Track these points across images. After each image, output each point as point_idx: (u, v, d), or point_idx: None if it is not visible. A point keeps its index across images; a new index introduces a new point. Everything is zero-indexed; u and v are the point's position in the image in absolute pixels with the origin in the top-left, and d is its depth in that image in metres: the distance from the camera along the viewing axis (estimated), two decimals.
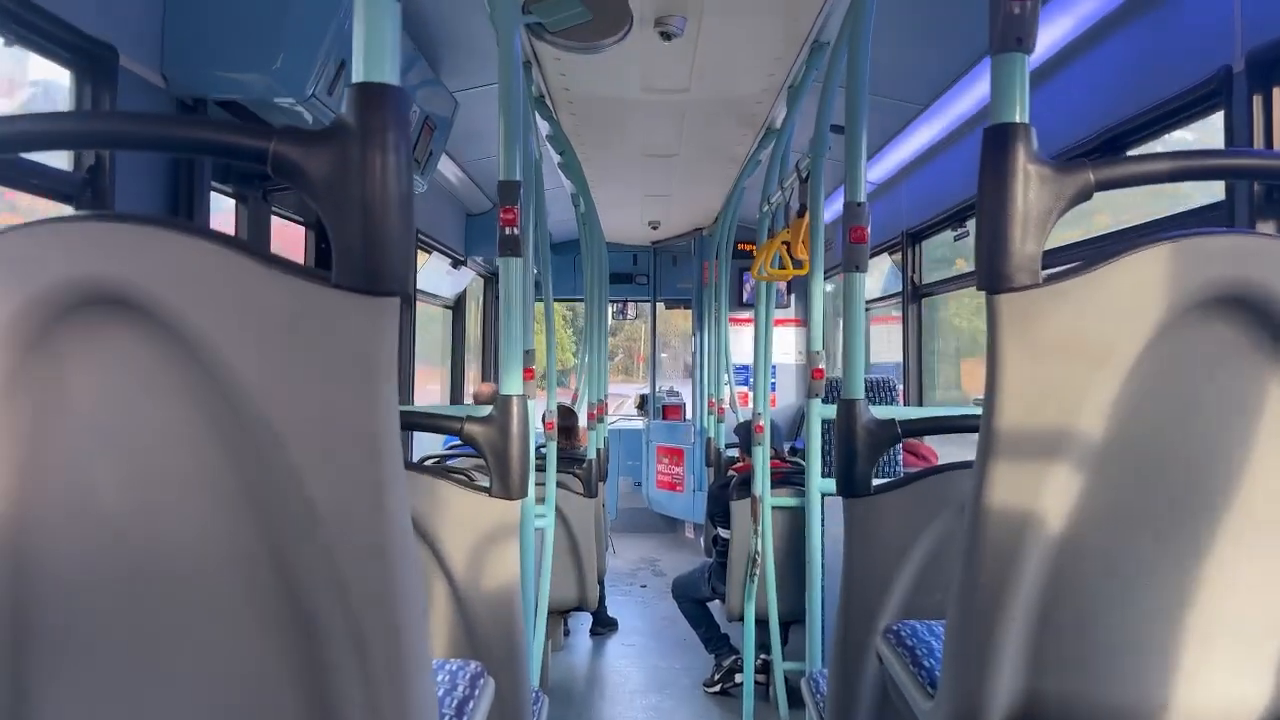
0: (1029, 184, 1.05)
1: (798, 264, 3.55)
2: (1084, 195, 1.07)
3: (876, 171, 5.30)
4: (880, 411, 2.05)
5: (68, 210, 2.24)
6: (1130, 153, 2.78)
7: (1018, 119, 1.07)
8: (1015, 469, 1.10)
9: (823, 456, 3.26)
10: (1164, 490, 1.12)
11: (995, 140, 1.07)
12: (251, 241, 3.11)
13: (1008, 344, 1.07)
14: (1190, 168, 1.15)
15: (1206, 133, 2.55)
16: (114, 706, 0.93)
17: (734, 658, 4.72)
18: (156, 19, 2.53)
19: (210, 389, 0.88)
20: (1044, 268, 1.07)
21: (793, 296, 8.66)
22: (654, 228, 8.37)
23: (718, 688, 4.75)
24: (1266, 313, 1.06)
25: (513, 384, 1.97)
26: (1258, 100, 2.19)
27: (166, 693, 0.93)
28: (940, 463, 2.26)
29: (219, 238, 0.88)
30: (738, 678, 4.62)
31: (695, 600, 5.01)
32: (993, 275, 1.06)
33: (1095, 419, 1.08)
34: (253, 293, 0.88)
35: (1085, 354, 1.07)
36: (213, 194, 3.00)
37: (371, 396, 0.90)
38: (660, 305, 9.67)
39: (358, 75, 0.89)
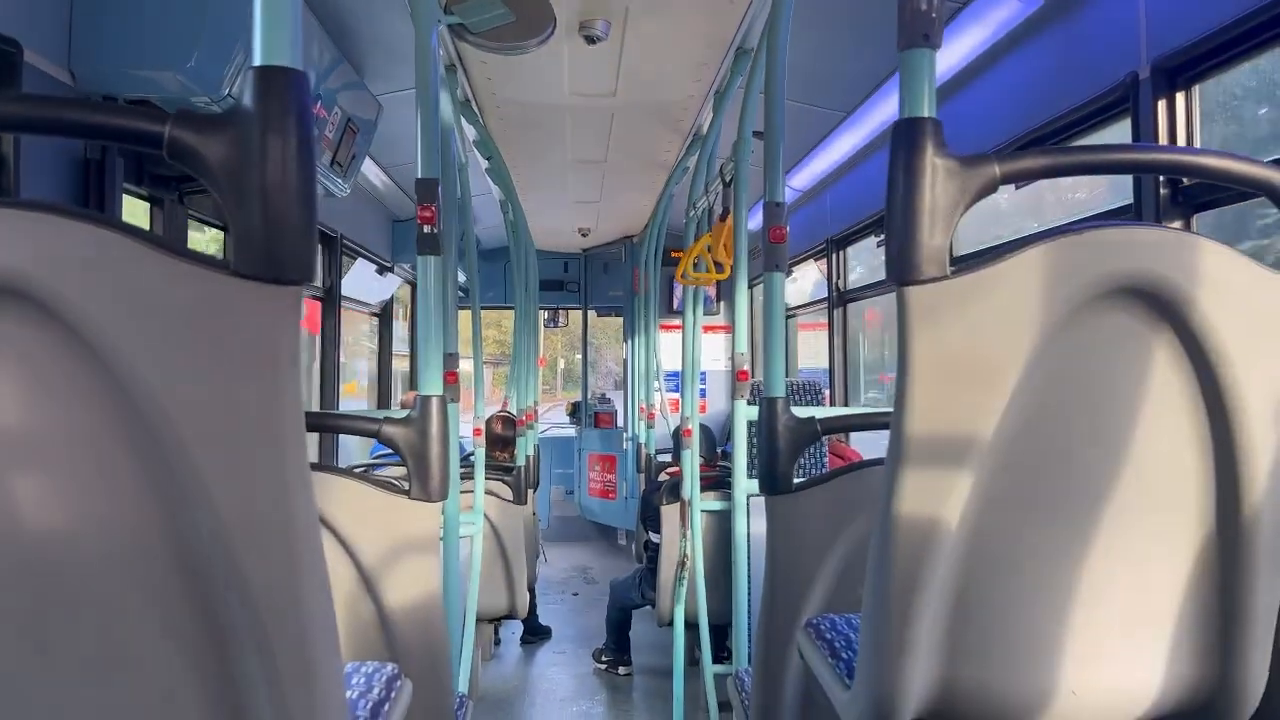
0: (937, 177, 1.07)
1: (719, 268, 3.58)
2: (990, 188, 1.09)
3: (801, 179, 5.37)
4: (801, 410, 2.07)
5: None
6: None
7: (925, 113, 1.08)
8: (925, 459, 1.11)
9: (749, 457, 3.28)
10: (1069, 478, 1.14)
11: (904, 134, 1.08)
12: (166, 237, 3.03)
13: (917, 335, 1.08)
14: (1090, 162, 1.18)
15: (1117, 139, 2.63)
16: (8, 708, 0.89)
17: (625, 668, 5.21)
18: (64, 13, 2.46)
19: (105, 381, 0.85)
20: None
21: (722, 304, 8.72)
22: (584, 235, 8.36)
23: (604, 666, 5.25)
24: (1162, 303, 1.09)
25: (432, 385, 1.95)
26: (1162, 105, 2.27)
27: (62, 696, 0.89)
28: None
29: (111, 224, 0.85)
30: (621, 670, 5.19)
31: (620, 607, 5.21)
32: (902, 267, 1.08)
33: (1005, 409, 1.10)
34: (149, 281, 0.85)
35: (992, 345, 1.09)
36: (127, 198, 2.93)
37: (274, 389, 0.87)
38: (591, 313, 9.66)
39: (257, 58, 0.87)
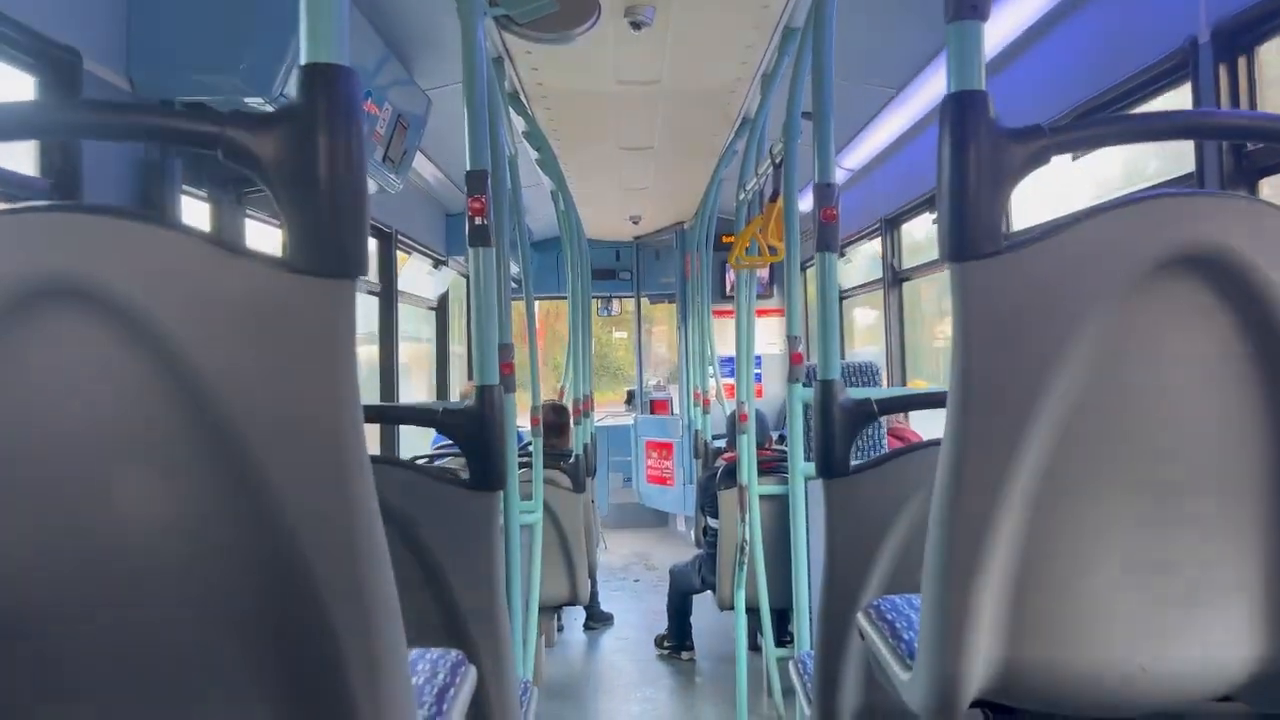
0: (987, 151, 1.05)
1: (773, 250, 3.55)
2: (1041, 160, 1.07)
3: (853, 159, 5.31)
4: (857, 392, 2.05)
5: None
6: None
7: (975, 86, 1.07)
8: (984, 436, 1.10)
9: (806, 441, 3.27)
10: (1133, 452, 1.12)
11: (953, 108, 1.07)
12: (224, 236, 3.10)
13: (973, 312, 1.07)
14: (1145, 129, 1.15)
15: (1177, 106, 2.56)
16: (75, 705, 0.92)
17: (687, 654, 5.24)
18: (121, 21, 2.52)
19: (169, 377, 0.87)
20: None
21: (775, 287, 8.67)
22: (635, 222, 8.36)
23: (666, 651, 5.28)
24: (1228, 272, 1.06)
25: (489, 374, 1.97)
26: (1223, 70, 2.21)
27: (131, 688, 0.92)
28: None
29: (174, 226, 0.87)
30: (683, 655, 5.21)
31: (681, 593, 5.23)
32: (956, 244, 1.06)
33: (1062, 383, 1.08)
34: (208, 279, 0.87)
35: (1050, 319, 1.07)
36: (187, 199, 2.99)
37: (331, 381, 0.89)
38: (645, 300, 9.66)
39: (305, 56, 0.89)
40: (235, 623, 0.91)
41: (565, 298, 6.37)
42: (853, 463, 2.03)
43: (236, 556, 0.90)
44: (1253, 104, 2.20)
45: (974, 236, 1.05)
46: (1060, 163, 1.14)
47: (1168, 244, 1.05)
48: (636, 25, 3.26)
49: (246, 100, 2.64)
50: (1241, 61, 2.20)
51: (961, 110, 1.06)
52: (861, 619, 1.61)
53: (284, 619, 0.91)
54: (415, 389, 6.66)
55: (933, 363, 5.63)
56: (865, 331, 6.95)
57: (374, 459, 1.01)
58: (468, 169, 2.09)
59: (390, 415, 2.13)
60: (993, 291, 1.07)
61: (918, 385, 5.25)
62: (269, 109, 2.61)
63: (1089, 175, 3.36)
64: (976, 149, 1.05)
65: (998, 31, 3.16)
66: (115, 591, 0.90)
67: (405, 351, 5.73)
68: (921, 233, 5.11)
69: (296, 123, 0.87)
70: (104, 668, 0.92)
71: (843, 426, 1.99)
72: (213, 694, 0.93)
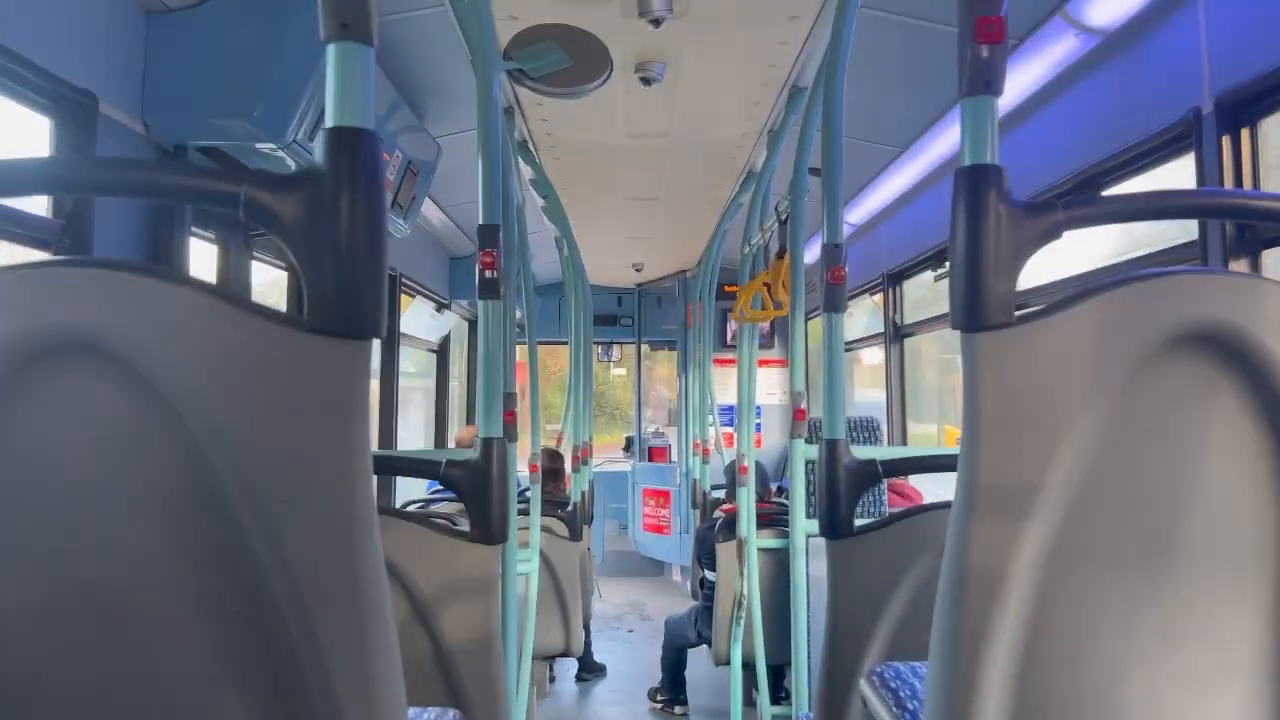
0: (1000, 224, 1.06)
1: (778, 305, 3.57)
2: (1054, 234, 1.08)
3: (856, 214, 5.35)
4: (861, 452, 2.05)
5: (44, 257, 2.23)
6: (1103, 194, 2.82)
7: (989, 160, 1.08)
8: (994, 506, 1.10)
9: (807, 497, 3.25)
10: (1142, 527, 1.12)
11: (967, 182, 1.08)
12: (232, 287, 3.11)
13: (983, 382, 1.07)
14: (1158, 207, 1.16)
15: (1180, 175, 2.59)
16: None
17: (680, 708, 5.24)
18: (138, 66, 2.55)
19: (179, 434, 0.87)
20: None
21: (776, 337, 8.69)
22: (638, 270, 8.40)
23: (659, 705, 5.22)
24: (1238, 351, 1.07)
25: (492, 427, 1.97)
26: (1226, 142, 2.23)
27: None
28: (924, 503, 2.26)
29: (188, 281, 0.87)
30: (677, 710, 5.22)
31: (676, 646, 5.20)
32: (967, 314, 1.07)
33: (1071, 456, 1.08)
34: (223, 337, 0.87)
35: (1060, 391, 1.07)
36: (196, 240, 3.00)
37: (344, 441, 0.89)
38: (645, 347, 9.68)
39: (330, 120, 0.90)
40: (234, 677, 0.91)
41: (566, 342, 6.38)
42: (857, 521, 2.03)
43: (239, 613, 0.89)
44: (1255, 176, 2.22)
45: (986, 308, 1.06)
46: None
47: (1178, 322, 1.06)
48: (647, 81, 3.30)
49: (259, 146, 2.66)
50: (1245, 134, 2.23)
51: (975, 184, 1.07)
52: (864, 686, 1.60)
53: (283, 675, 0.90)
54: (408, 422, 6.62)
55: (930, 406, 5.65)
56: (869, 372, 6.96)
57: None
58: (480, 222, 2.11)
59: (392, 465, 2.12)
60: (1004, 362, 1.07)
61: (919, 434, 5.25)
62: (284, 158, 2.66)
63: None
64: (989, 222, 1.06)
65: (1002, 98, 3.19)
66: (120, 645, 0.89)
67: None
68: (923, 289, 5.13)
69: (319, 185, 0.88)
70: (103, 716, 0.90)
71: (847, 487, 1.99)
72: None
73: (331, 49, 0.91)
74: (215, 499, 0.88)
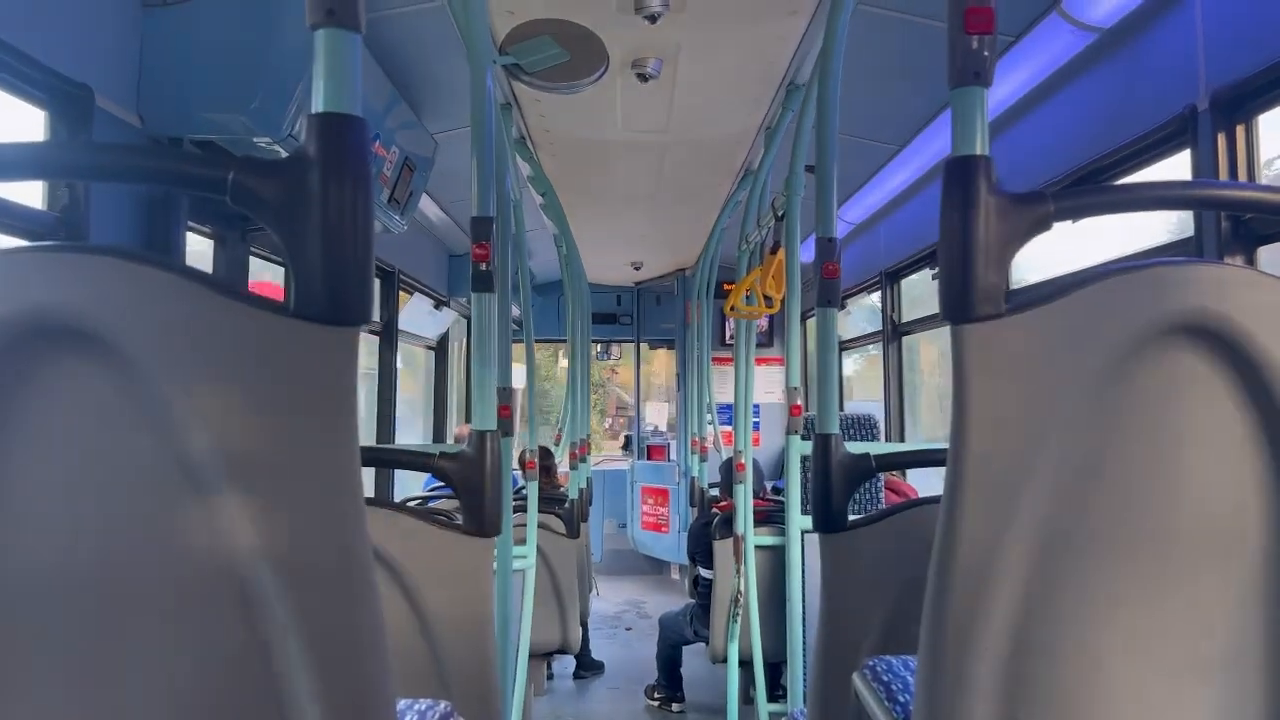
0: (990, 215, 1.06)
1: (769, 302, 3.56)
2: (1044, 225, 1.08)
3: (854, 212, 5.35)
4: (856, 447, 2.05)
5: None
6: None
7: (978, 151, 1.08)
8: (983, 498, 1.09)
9: (803, 493, 3.25)
10: (1131, 518, 1.12)
11: (956, 172, 1.08)
12: (227, 280, 3.10)
13: (973, 374, 1.07)
14: (1149, 198, 1.16)
15: (1177, 172, 2.59)
16: None
17: (677, 705, 5.21)
18: (133, 59, 2.54)
19: (167, 419, 0.87)
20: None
21: (774, 336, 8.69)
22: (636, 268, 8.40)
23: (656, 703, 5.25)
24: (1227, 342, 1.07)
25: (486, 420, 1.96)
26: (1221, 138, 2.23)
27: None
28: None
29: (176, 268, 0.87)
30: (674, 707, 5.19)
31: (671, 643, 5.19)
32: (956, 306, 1.07)
33: (1061, 447, 1.08)
34: (210, 324, 0.87)
35: (1049, 382, 1.07)
36: (193, 235, 3.00)
37: (332, 428, 0.89)
38: (644, 345, 9.68)
39: (317, 105, 0.90)
40: (222, 666, 0.90)
41: (565, 341, 6.38)
42: (851, 517, 2.02)
43: (228, 599, 0.89)
44: (1251, 172, 2.22)
45: (974, 299, 1.06)
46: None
47: (1168, 312, 1.06)
48: (644, 78, 3.31)
49: (255, 140, 2.66)
50: (1240, 130, 2.23)
51: (963, 174, 1.07)
52: (857, 681, 1.60)
53: (271, 664, 0.90)
54: (404, 417, 6.61)
55: (930, 411, 5.64)
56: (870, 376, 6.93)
57: (368, 501, 1.00)
58: (473, 215, 2.11)
59: (386, 459, 2.12)
60: (992, 354, 1.07)
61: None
62: (279, 151, 2.65)
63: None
64: (977, 213, 1.06)
65: (999, 95, 3.20)
66: (109, 629, 0.89)
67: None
68: (922, 286, 5.13)
69: (305, 170, 0.88)
70: (92, 699, 0.90)
71: (841, 482, 1.98)
72: None
73: (319, 35, 0.91)
74: (201, 484, 0.88)
